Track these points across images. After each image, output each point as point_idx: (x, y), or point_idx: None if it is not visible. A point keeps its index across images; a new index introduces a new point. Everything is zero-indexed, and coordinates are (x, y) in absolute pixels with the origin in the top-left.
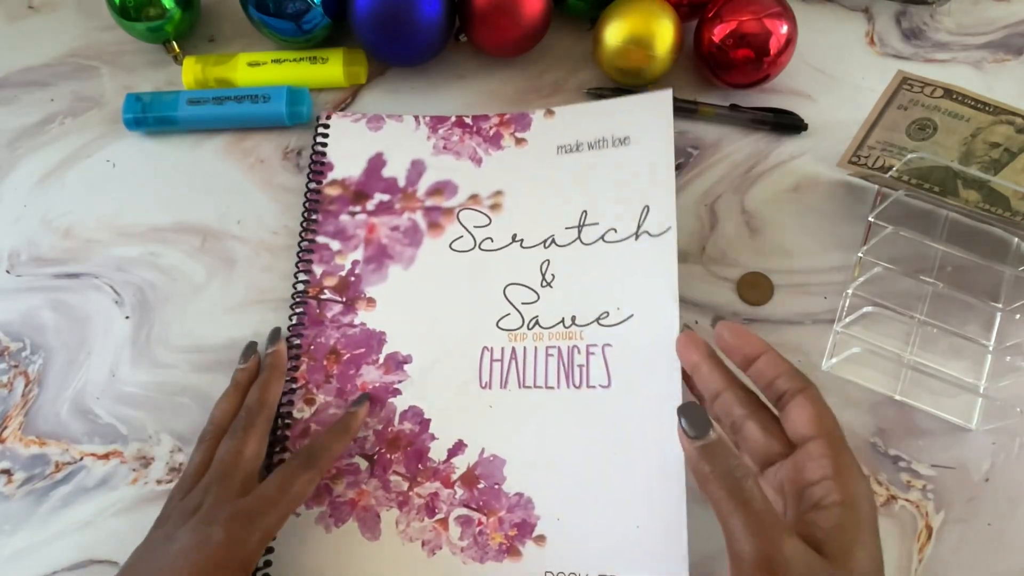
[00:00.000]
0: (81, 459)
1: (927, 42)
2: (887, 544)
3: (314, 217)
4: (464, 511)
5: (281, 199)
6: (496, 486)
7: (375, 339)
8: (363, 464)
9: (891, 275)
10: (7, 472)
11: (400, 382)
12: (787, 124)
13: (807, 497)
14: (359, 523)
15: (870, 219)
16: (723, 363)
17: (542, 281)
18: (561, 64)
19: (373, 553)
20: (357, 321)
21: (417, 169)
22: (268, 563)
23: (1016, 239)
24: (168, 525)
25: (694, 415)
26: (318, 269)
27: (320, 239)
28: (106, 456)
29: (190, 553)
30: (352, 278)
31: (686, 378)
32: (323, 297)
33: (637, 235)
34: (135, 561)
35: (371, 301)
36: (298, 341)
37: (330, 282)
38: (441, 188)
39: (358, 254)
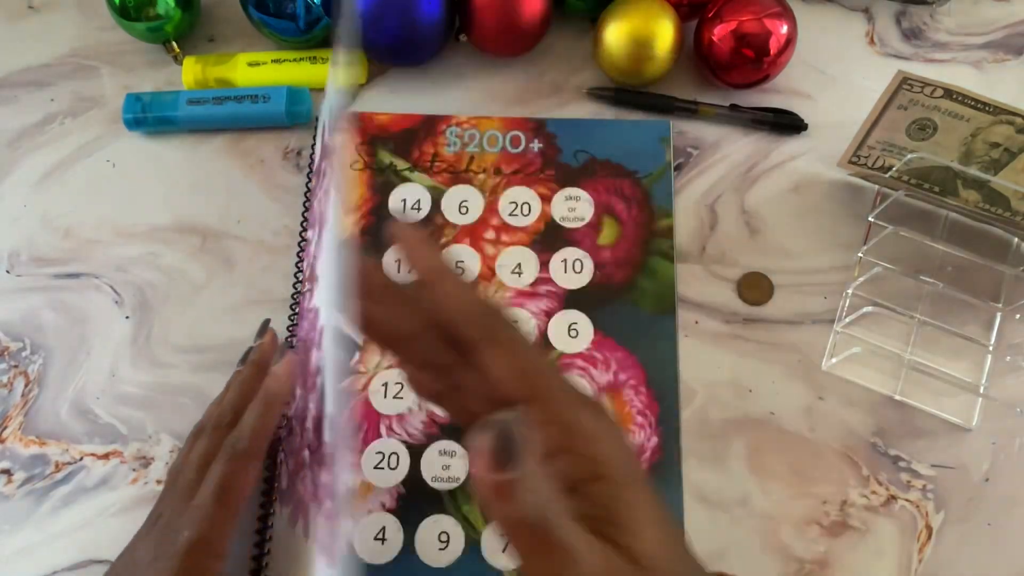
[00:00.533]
0: (81, 459)
1: (927, 42)
2: (888, 544)
3: None
4: None
5: (281, 199)
6: None
7: None
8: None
9: (891, 275)
10: (7, 472)
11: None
12: (787, 124)
13: (561, 480)
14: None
15: (870, 219)
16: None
17: None
18: (561, 64)
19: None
20: None
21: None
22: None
23: (1016, 239)
24: (149, 529)
25: (507, 438)
26: None
27: None
28: (106, 456)
29: None
30: None
31: None
32: None
33: None
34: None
35: None
36: (296, 341)
37: None
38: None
39: None
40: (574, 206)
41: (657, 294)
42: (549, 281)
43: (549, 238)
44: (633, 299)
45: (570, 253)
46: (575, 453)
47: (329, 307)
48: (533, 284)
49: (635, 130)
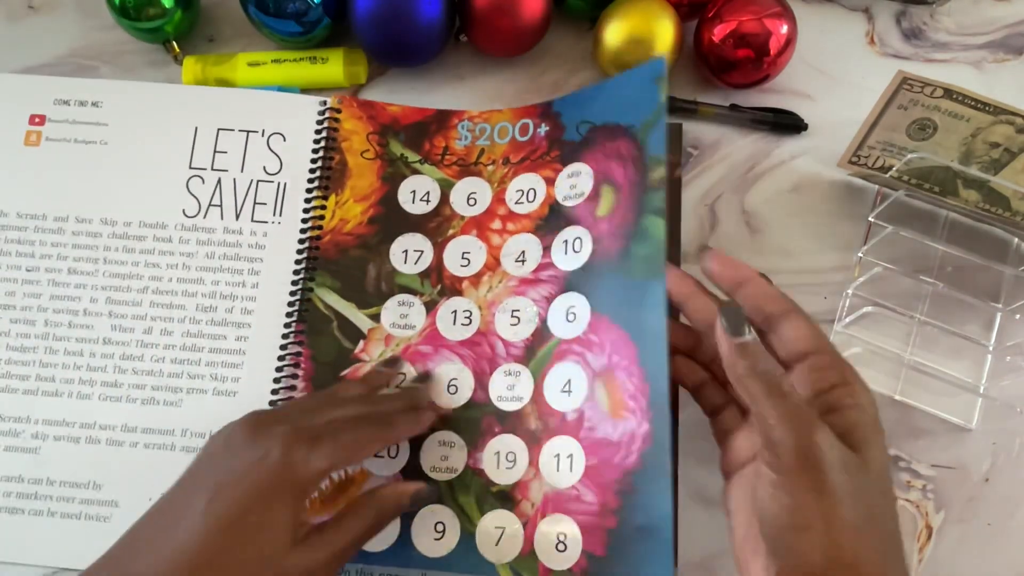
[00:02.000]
0: None
1: (927, 42)
2: None
3: None
4: None
5: None
6: None
7: None
8: None
9: (891, 275)
10: None
11: None
12: (787, 124)
13: (822, 403)
14: None
15: (870, 219)
16: (710, 291)
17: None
18: (561, 64)
19: None
20: None
21: None
22: None
23: (1016, 239)
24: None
25: (733, 315)
26: None
27: None
28: None
29: (246, 472)
30: None
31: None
32: None
33: None
34: (204, 460)
35: None
36: None
37: None
38: None
39: None
40: (575, 183)
41: (647, 258)
42: (550, 266)
43: (552, 221)
44: (625, 270)
45: (570, 232)
46: (849, 387)
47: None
48: (535, 270)
49: (629, 80)
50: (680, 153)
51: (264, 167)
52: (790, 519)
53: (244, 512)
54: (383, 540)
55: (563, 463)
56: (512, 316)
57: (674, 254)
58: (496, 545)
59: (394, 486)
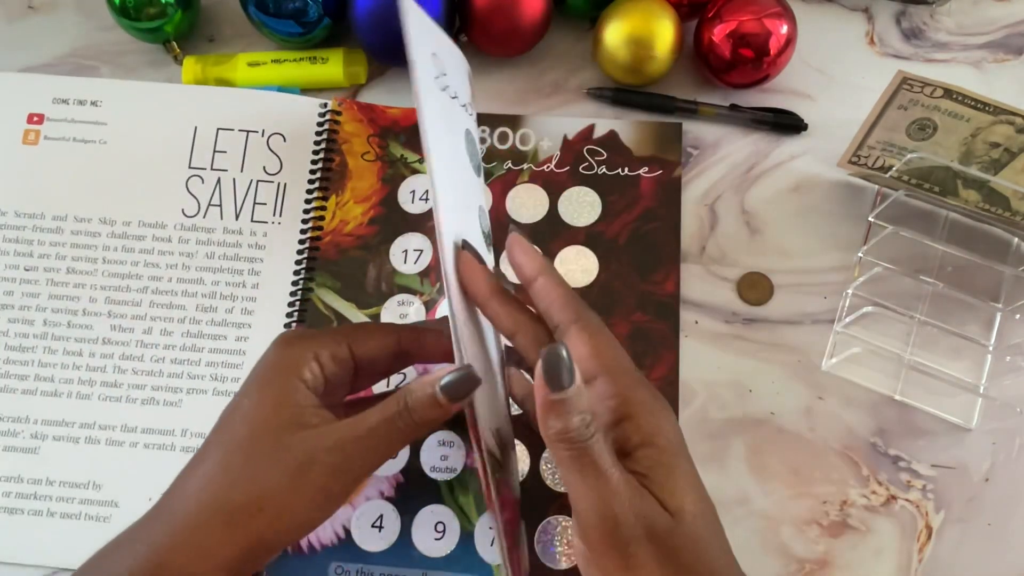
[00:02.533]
0: None
1: (927, 42)
2: (888, 544)
3: None
4: None
5: None
6: None
7: None
8: None
9: (891, 275)
10: None
11: None
12: (787, 124)
13: (613, 443)
14: None
15: (870, 219)
16: (514, 298)
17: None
18: (561, 64)
19: None
20: None
21: None
22: None
23: (1016, 239)
24: None
25: (556, 364)
26: None
27: None
28: None
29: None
30: None
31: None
32: None
33: None
34: None
35: None
36: None
37: None
38: None
39: None
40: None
41: None
42: None
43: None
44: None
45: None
46: (634, 421)
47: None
48: None
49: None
50: (680, 153)
51: (264, 167)
52: None
53: (239, 399)
54: (384, 539)
55: None
56: None
57: (673, 254)
58: (492, 545)
59: (421, 378)
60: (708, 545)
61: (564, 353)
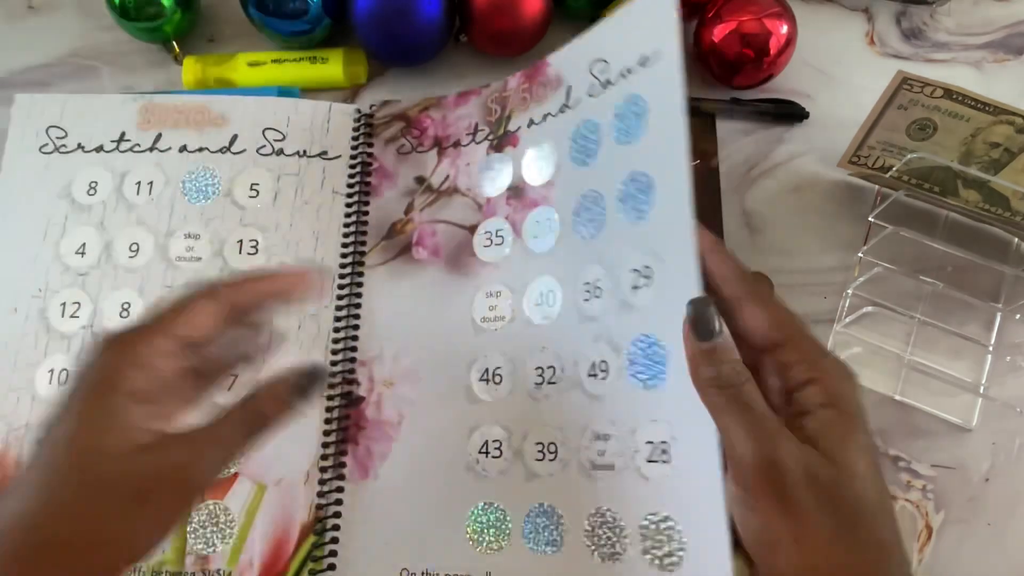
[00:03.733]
0: None
1: (927, 42)
2: None
3: None
4: None
5: None
6: None
7: None
8: None
9: (891, 275)
10: None
11: None
12: (789, 113)
13: (794, 405)
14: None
15: (870, 219)
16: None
17: None
18: None
19: None
20: None
21: None
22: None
23: (1016, 239)
24: None
25: (702, 313)
26: None
27: None
28: None
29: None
30: None
31: None
32: None
33: None
34: None
35: None
36: None
37: None
38: None
39: None
40: None
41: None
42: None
43: None
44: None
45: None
46: (820, 384)
47: None
48: None
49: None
50: (715, 143)
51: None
52: (757, 536)
53: (59, 419)
54: None
55: None
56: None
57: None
58: None
59: (271, 380)
60: (874, 508)
61: (711, 305)
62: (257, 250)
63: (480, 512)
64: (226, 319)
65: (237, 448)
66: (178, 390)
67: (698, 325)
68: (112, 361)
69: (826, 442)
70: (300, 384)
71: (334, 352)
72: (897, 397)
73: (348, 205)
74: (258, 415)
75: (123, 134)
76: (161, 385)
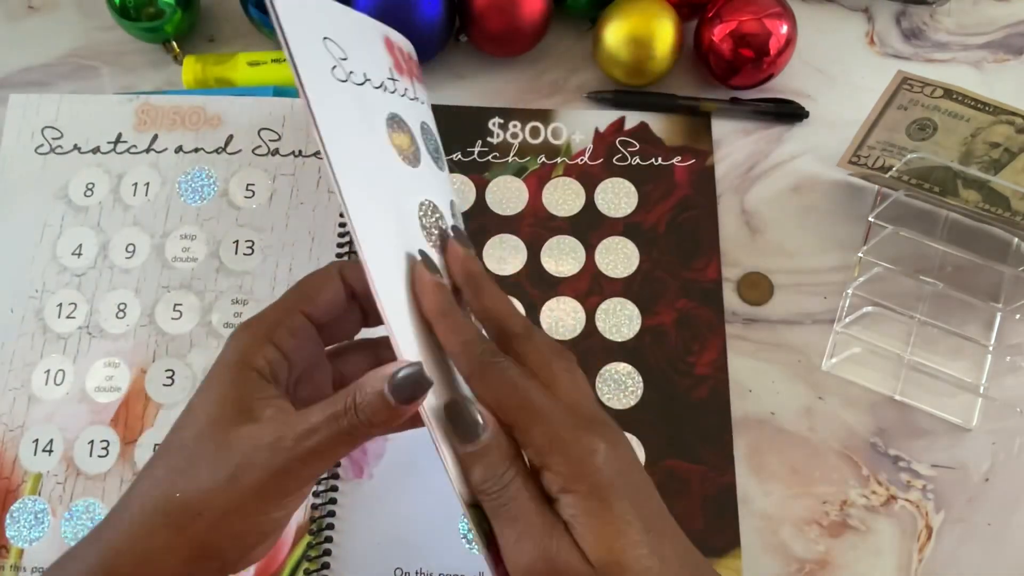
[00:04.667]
0: None
1: (927, 42)
2: (888, 544)
3: None
4: None
5: None
6: None
7: None
8: None
9: (891, 275)
10: None
11: None
12: (788, 113)
13: (541, 492)
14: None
15: (870, 219)
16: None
17: None
18: (561, 64)
19: None
20: None
21: None
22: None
23: (1016, 239)
24: None
25: (462, 416)
26: None
27: None
28: None
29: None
30: None
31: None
32: None
33: None
34: None
35: None
36: None
37: None
38: None
39: None
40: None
41: None
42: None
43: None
44: None
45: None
46: (552, 469)
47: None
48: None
49: None
50: (711, 143)
51: None
52: None
53: (193, 399)
54: None
55: None
56: None
57: (713, 240)
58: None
59: (373, 373)
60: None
61: (467, 407)
62: (253, 250)
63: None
64: (348, 297)
65: (335, 448)
66: (314, 360)
67: (459, 428)
68: (243, 341)
69: (575, 535)
70: (402, 388)
71: None
72: (897, 397)
73: None
74: (358, 417)
75: (119, 135)
76: (291, 360)
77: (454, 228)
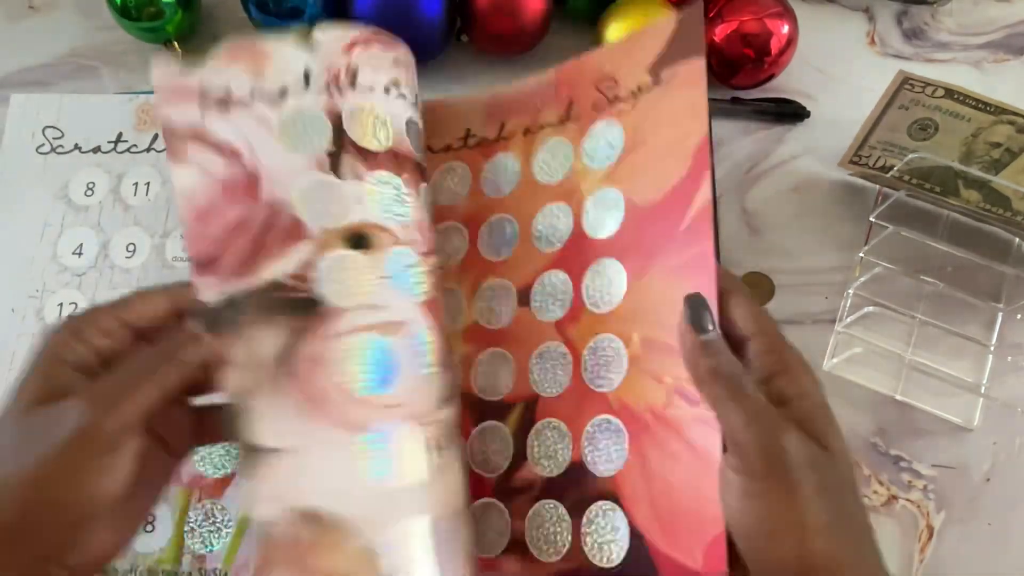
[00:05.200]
0: None
1: (928, 42)
2: (889, 544)
3: None
4: None
5: None
6: None
7: None
8: None
9: (892, 275)
10: None
11: None
12: (789, 113)
13: (767, 394)
14: None
15: (871, 219)
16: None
17: None
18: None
19: None
20: None
21: None
22: None
23: (1017, 239)
24: None
25: (697, 308)
26: None
27: None
28: None
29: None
30: None
31: None
32: None
33: None
34: None
35: None
36: None
37: None
38: None
39: None
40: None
41: None
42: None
43: None
44: None
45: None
46: (789, 376)
47: None
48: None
49: None
50: (711, 143)
51: None
52: (761, 526)
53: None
54: None
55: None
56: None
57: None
58: None
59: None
60: (852, 486)
61: (705, 301)
62: None
63: None
64: (172, 315)
65: (154, 388)
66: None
67: (696, 319)
68: (55, 336)
69: (812, 431)
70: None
71: None
72: (898, 397)
73: None
74: (169, 349)
75: (120, 135)
76: (101, 358)
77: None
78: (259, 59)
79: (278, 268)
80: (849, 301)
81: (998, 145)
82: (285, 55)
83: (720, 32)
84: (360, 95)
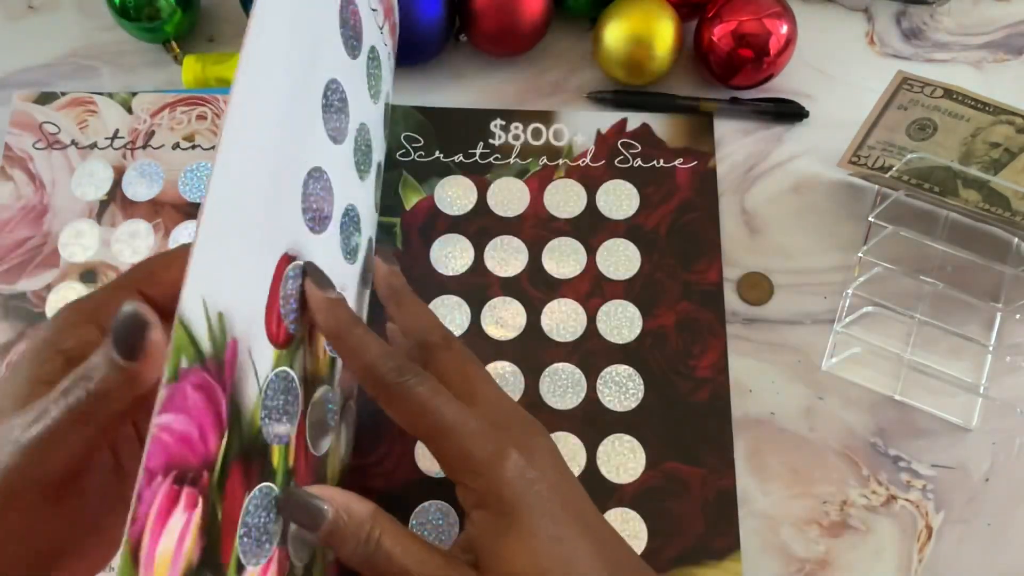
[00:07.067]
0: None
1: (927, 42)
2: (888, 544)
3: None
4: None
5: None
6: None
7: None
8: None
9: (891, 275)
10: None
11: None
12: (789, 112)
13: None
14: None
15: (870, 219)
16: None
17: None
18: (561, 64)
19: None
20: None
21: None
22: None
23: (1016, 239)
24: None
25: (300, 507)
26: None
27: None
28: None
29: None
30: None
31: None
32: None
33: None
34: None
35: None
36: None
37: None
38: None
39: None
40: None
41: None
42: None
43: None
44: None
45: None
46: (461, 486)
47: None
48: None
49: None
50: (712, 144)
51: None
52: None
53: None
54: None
55: None
56: None
57: (714, 243)
58: None
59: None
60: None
61: (298, 496)
62: None
63: None
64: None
65: (72, 429)
66: None
67: (303, 519)
68: (59, 319)
69: (479, 553)
70: (117, 333)
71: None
72: (897, 397)
73: None
74: (88, 386)
75: (116, 131)
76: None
77: (376, 248)
78: (87, 113)
79: (29, 285)
80: (848, 301)
81: (997, 145)
82: (108, 114)
83: (719, 32)
84: (148, 153)
